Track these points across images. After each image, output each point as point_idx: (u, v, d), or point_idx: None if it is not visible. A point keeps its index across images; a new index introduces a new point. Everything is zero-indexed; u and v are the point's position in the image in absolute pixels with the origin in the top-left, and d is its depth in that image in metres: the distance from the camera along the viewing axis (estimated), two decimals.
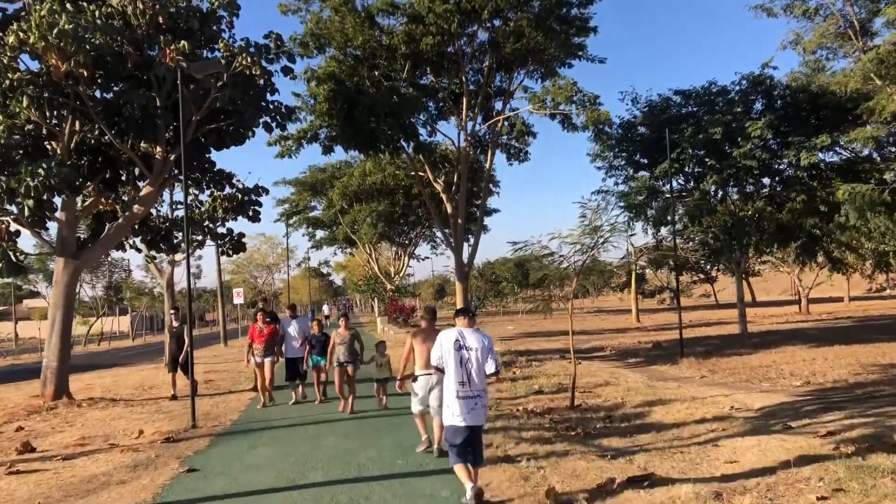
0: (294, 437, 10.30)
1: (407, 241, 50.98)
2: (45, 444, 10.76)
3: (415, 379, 8.72)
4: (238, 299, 41.95)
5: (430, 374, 8.14)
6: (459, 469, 6.40)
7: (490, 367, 6.49)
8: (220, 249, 24.56)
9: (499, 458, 8.19)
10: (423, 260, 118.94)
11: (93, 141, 14.97)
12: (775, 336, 22.87)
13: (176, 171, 16.70)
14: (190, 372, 12.40)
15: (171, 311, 16.36)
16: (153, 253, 23.21)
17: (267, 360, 13.00)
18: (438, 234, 53.37)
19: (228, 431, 11.12)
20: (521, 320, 50.04)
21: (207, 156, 18.58)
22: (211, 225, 24.70)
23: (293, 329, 13.22)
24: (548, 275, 12.17)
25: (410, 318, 47.33)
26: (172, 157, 15.39)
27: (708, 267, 56.41)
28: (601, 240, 11.67)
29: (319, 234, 54.57)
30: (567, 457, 8.19)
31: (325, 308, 55.31)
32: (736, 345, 20.48)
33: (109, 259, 55.02)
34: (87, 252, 15.59)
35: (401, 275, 51.17)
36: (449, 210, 22.20)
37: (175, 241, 19.46)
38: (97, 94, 14.45)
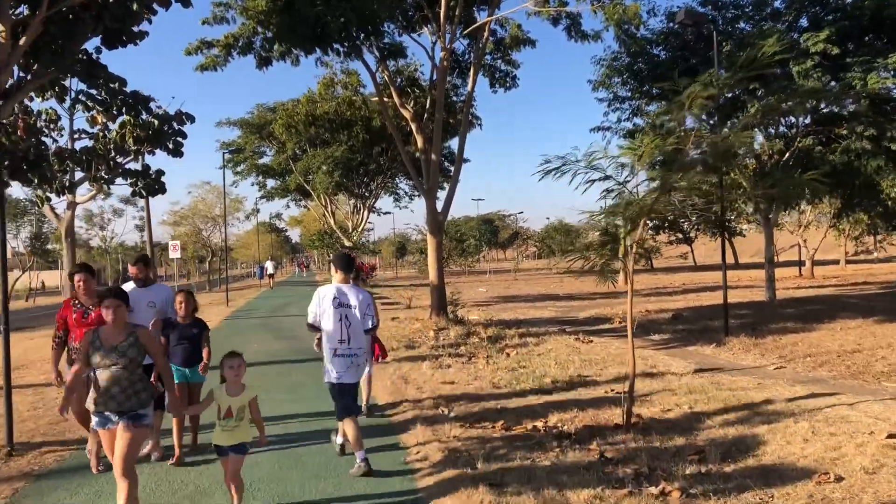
0: (163, 483, 5.85)
1: (367, 193, 46.21)
2: None
3: None
4: (174, 253, 36.99)
5: None
6: (349, 425, 6.25)
7: (368, 323, 6.38)
8: (133, 190, 19.65)
9: None
10: (383, 214, 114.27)
11: None
12: (812, 305, 18.91)
13: (41, 68, 11.82)
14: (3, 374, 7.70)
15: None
16: (47, 193, 18.34)
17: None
18: (402, 185, 48.78)
19: (60, 468, 6.62)
20: (490, 281, 45.86)
21: (98, 58, 13.75)
22: (119, 158, 19.89)
23: (144, 307, 6.67)
24: (617, 212, 7.56)
25: (370, 277, 42.86)
26: (23, 42, 10.47)
27: (687, 226, 52.89)
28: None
29: (270, 183, 49.47)
30: None
31: (269, 265, 48.95)
32: (776, 317, 16.43)
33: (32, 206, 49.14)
34: None
35: (359, 230, 46.45)
36: (419, 144, 17.61)
37: (51, 174, 14.59)
38: None
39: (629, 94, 20.69)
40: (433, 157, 16.99)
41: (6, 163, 13.15)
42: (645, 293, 27.36)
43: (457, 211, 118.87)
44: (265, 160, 46.59)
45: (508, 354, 12.35)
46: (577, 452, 6.55)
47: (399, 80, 18.82)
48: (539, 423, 7.66)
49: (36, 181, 14.10)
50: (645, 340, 14.16)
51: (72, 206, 20.13)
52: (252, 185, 50.30)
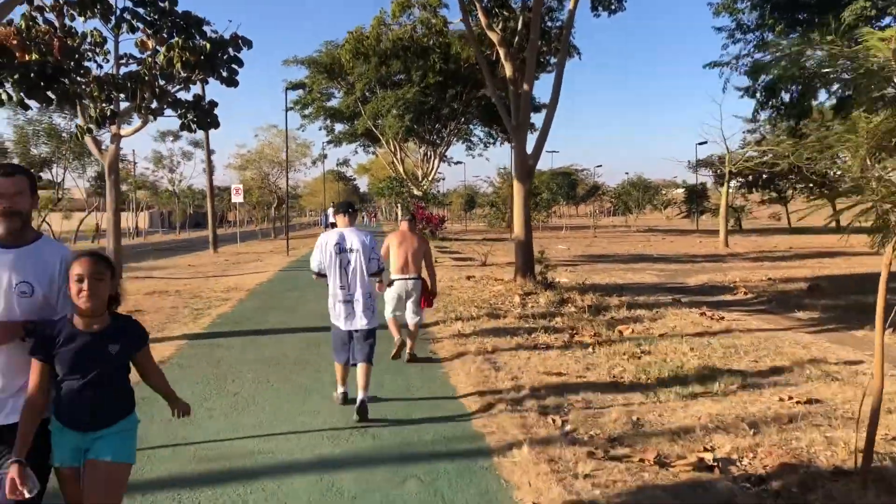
0: None
1: (438, 140, 43.65)
2: None
3: (390, 283, 8.20)
4: (236, 197, 35.38)
5: (405, 278, 8.17)
6: (338, 369, 6.44)
7: (372, 267, 6.26)
8: (182, 123, 17.50)
9: None
10: (454, 164, 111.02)
11: None
12: None
13: None
14: None
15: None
16: (89, 124, 16.37)
17: None
18: (477, 131, 45.94)
19: None
20: (568, 238, 42.94)
21: None
22: (167, 85, 17.76)
23: (11, 296, 2.87)
24: None
25: (439, 229, 40.45)
26: None
27: (783, 184, 48.49)
28: None
29: (338, 127, 47.33)
30: None
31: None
32: None
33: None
34: None
35: (430, 178, 43.99)
36: (508, 73, 14.85)
37: (73, 91, 12.44)
38: None
39: (756, 23, 17.39)
40: (525, 87, 14.23)
41: (16, 77, 11.04)
42: (752, 257, 24.17)
43: None
44: (333, 103, 44.44)
45: (621, 332, 9.73)
46: None
47: None
48: (706, 455, 5.09)
49: (56, 100, 11.99)
50: (789, 318, 11.30)
51: (116, 139, 18.13)
52: (319, 129, 48.16)
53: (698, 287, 15.65)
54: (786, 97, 18.40)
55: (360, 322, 6.21)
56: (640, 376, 7.36)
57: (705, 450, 5.28)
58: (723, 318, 11.01)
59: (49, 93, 11.55)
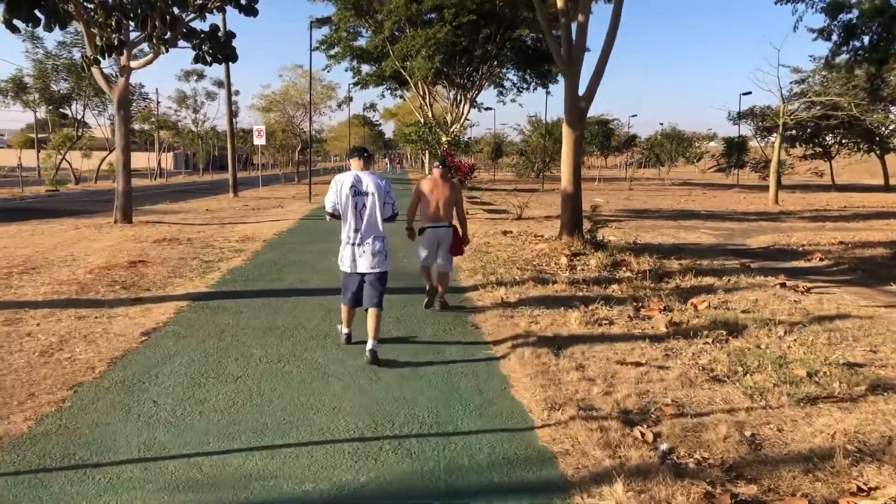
0: None
1: (469, 84, 41.67)
2: None
3: (421, 232, 7.87)
4: (258, 140, 34.01)
5: (437, 226, 7.80)
6: (344, 311, 6.40)
7: (387, 212, 6.14)
8: (197, 54, 16.01)
9: None
10: (485, 110, 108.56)
11: None
12: None
13: None
14: None
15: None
16: (95, 54, 14.96)
17: None
18: (510, 75, 43.85)
19: None
20: (604, 190, 41.08)
21: None
22: (180, 13, 16.24)
23: None
24: None
25: (468, 178, 38.79)
26: None
27: (829, 138, 46.06)
28: None
29: (365, 69, 45.40)
30: None
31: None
32: None
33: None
34: None
35: (460, 122, 42.13)
36: (560, 2, 13.12)
37: (66, 11, 10.96)
38: None
39: None
40: (580, 17, 12.50)
41: None
42: (808, 216, 22.41)
43: (560, 111, 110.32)
44: (360, 42, 42.51)
45: (696, 307, 8.25)
46: None
47: None
48: (864, 502, 3.68)
49: (44, 21, 10.48)
50: (886, 293, 9.74)
51: (125, 71, 16.71)
52: (346, 70, 46.37)
53: (763, 250, 14.07)
54: (865, 40, 16.64)
55: (372, 265, 6.09)
56: (735, 368, 5.93)
57: (860, 490, 3.88)
58: (809, 290, 9.48)
59: (37, 11, 10.09)
